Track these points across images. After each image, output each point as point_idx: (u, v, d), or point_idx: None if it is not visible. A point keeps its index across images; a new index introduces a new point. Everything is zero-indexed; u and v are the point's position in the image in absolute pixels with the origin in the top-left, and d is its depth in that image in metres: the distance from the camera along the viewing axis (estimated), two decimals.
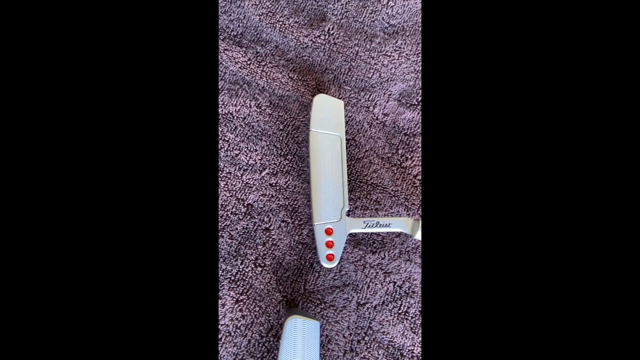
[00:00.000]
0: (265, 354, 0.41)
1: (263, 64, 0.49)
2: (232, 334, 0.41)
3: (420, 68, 0.51)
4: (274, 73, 0.49)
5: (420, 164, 0.48)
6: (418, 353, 0.42)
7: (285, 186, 0.46)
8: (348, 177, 0.46)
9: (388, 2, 0.52)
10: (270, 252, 0.44)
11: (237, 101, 0.48)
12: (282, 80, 0.49)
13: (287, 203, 0.45)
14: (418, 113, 0.49)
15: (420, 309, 0.43)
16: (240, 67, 0.49)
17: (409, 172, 0.48)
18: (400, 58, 0.51)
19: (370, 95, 0.49)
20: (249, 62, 0.49)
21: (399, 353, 0.42)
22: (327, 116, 0.45)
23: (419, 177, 0.48)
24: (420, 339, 0.43)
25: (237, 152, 0.46)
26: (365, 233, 0.45)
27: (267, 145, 0.47)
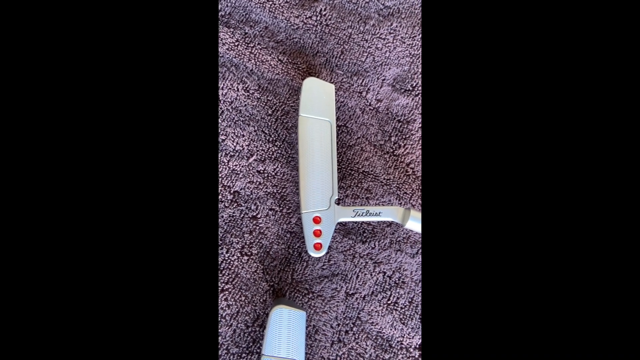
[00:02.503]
0: (251, 343, 0.40)
1: (252, 45, 0.47)
2: (217, 323, 0.40)
3: (415, 52, 0.49)
4: (263, 55, 0.47)
5: (414, 151, 0.47)
6: (407, 344, 0.42)
7: (273, 173, 0.44)
8: (339, 165, 0.45)
9: None
10: (257, 240, 0.43)
11: (224, 84, 0.46)
12: (272, 63, 0.47)
13: (275, 191, 0.44)
14: (412, 99, 0.48)
15: (409, 300, 0.43)
16: (227, 49, 0.47)
17: (402, 160, 0.46)
18: (395, 41, 0.49)
19: (363, 80, 0.48)
20: (236, 44, 0.47)
21: (387, 344, 0.41)
22: (317, 100, 0.43)
23: (412, 165, 0.46)
24: (409, 330, 0.42)
25: (223, 137, 0.45)
26: (355, 222, 0.44)
27: (255, 131, 0.45)
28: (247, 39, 0.47)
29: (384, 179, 0.46)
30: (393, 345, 0.41)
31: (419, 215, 0.39)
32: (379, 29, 0.49)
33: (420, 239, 0.44)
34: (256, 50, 0.47)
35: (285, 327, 0.36)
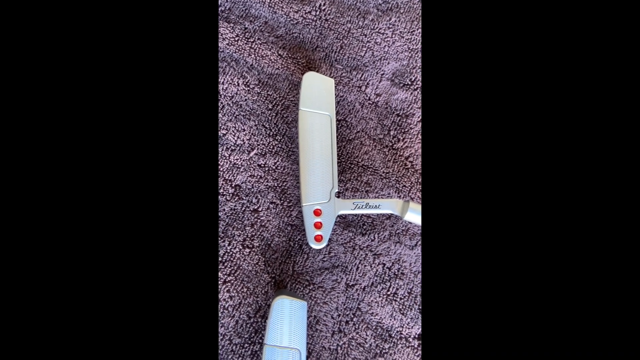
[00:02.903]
0: (253, 334, 0.41)
1: (252, 40, 0.47)
2: (220, 314, 0.41)
3: (414, 47, 0.49)
4: (262, 50, 0.47)
5: (413, 145, 0.47)
6: (406, 334, 0.42)
7: (274, 167, 0.45)
8: (338, 159, 0.46)
9: None
10: (259, 233, 0.43)
11: (224, 79, 0.46)
12: (272, 57, 0.47)
13: (276, 184, 0.45)
14: (411, 93, 0.48)
15: (409, 291, 0.43)
16: (227, 44, 0.47)
17: (401, 153, 0.47)
18: (393, 36, 0.49)
19: (363, 74, 0.48)
20: (236, 39, 0.47)
21: (387, 334, 0.42)
22: (317, 95, 0.44)
23: (411, 158, 0.47)
24: (408, 320, 0.43)
25: (224, 131, 0.45)
26: (355, 215, 0.44)
27: (255, 125, 0.46)
28: (247, 34, 0.48)
29: (383, 172, 0.46)
30: (393, 335, 0.42)
31: (417, 207, 0.40)
32: (378, 24, 0.49)
33: (419, 231, 0.45)
34: (256, 45, 0.47)
35: (287, 317, 0.37)
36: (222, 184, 0.44)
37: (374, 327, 0.42)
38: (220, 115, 0.45)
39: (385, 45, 0.49)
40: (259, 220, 0.44)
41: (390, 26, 0.49)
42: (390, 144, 0.47)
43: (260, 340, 0.41)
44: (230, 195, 0.44)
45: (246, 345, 0.41)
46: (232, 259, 0.43)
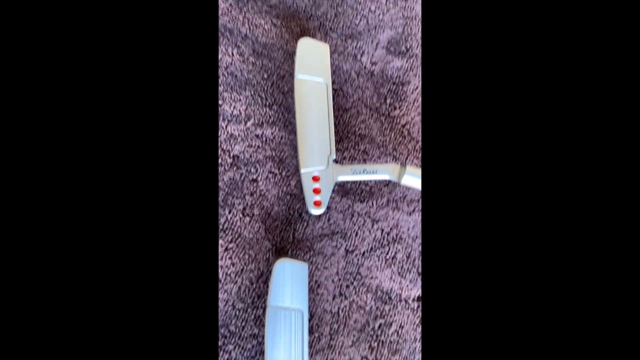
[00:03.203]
0: (256, 299, 0.42)
1: (245, 10, 0.47)
2: (222, 281, 0.42)
3: (408, 14, 0.49)
4: (256, 19, 0.47)
5: (409, 113, 0.47)
6: (405, 296, 0.43)
7: (271, 137, 0.45)
8: (336, 128, 0.46)
9: None
10: (259, 202, 0.44)
11: (218, 49, 0.46)
12: (265, 27, 0.47)
13: (274, 154, 0.45)
14: (407, 61, 0.48)
15: (407, 255, 0.44)
16: (221, 14, 0.46)
17: (398, 121, 0.47)
18: (388, 4, 0.49)
19: (358, 42, 0.48)
20: (230, 8, 0.47)
21: (386, 296, 0.43)
22: (313, 60, 0.44)
23: (407, 126, 0.47)
24: (407, 282, 0.44)
25: (220, 102, 0.45)
26: (354, 182, 0.45)
27: (251, 95, 0.46)
28: (240, 3, 0.47)
29: (380, 140, 0.46)
30: (392, 298, 0.43)
31: (414, 170, 0.41)
32: None
33: (416, 198, 0.45)
34: (250, 15, 0.47)
35: (289, 279, 0.38)
36: (220, 154, 0.44)
37: (374, 290, 0.43)
38: None
39: (379, 13, 0.49)
40: (258, 190, 0.44)
41: None
42: (387, 112, 0.47)
43: (263, 305, 0.42)
44: (229, 165, 0.44)
45: (249, 309, 0.42)
46: (233, 227, 0.43)
